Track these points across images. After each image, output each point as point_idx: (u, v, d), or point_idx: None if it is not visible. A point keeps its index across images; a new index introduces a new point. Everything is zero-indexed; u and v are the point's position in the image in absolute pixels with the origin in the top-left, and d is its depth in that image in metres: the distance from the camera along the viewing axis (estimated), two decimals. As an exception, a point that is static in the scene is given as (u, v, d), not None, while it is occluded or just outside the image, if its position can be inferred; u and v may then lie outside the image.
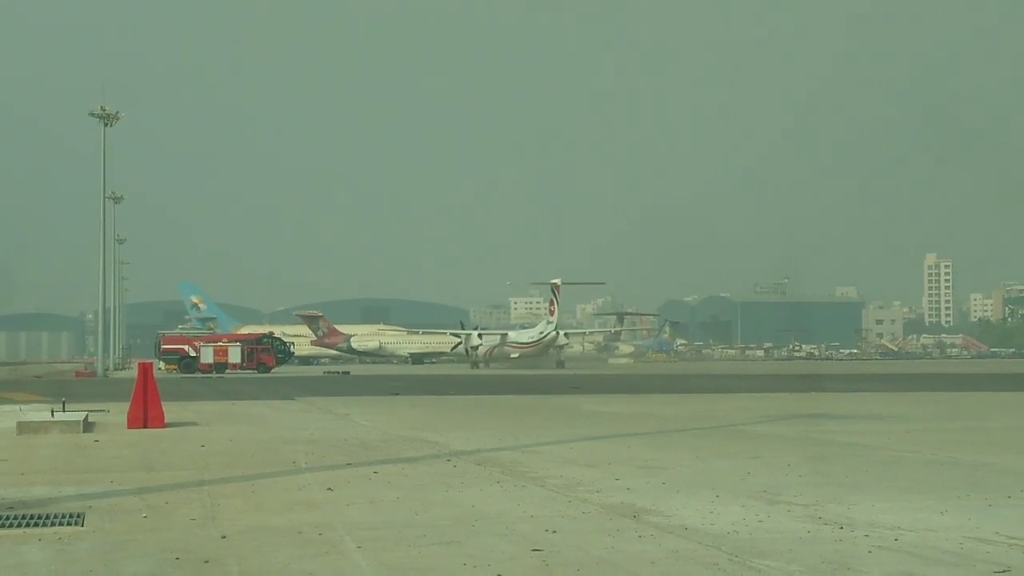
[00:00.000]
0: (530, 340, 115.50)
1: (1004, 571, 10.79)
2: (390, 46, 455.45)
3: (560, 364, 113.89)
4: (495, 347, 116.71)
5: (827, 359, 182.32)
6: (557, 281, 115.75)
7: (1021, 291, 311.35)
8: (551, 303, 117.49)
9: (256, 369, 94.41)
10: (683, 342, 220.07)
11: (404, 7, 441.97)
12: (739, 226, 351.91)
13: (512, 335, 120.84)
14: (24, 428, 26.87)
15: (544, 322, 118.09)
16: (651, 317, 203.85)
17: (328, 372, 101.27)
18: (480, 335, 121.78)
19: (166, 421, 28.79)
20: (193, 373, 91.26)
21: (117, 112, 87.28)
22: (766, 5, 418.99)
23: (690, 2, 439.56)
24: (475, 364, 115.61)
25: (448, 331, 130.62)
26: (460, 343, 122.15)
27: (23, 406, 36.18)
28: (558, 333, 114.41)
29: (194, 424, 30.03)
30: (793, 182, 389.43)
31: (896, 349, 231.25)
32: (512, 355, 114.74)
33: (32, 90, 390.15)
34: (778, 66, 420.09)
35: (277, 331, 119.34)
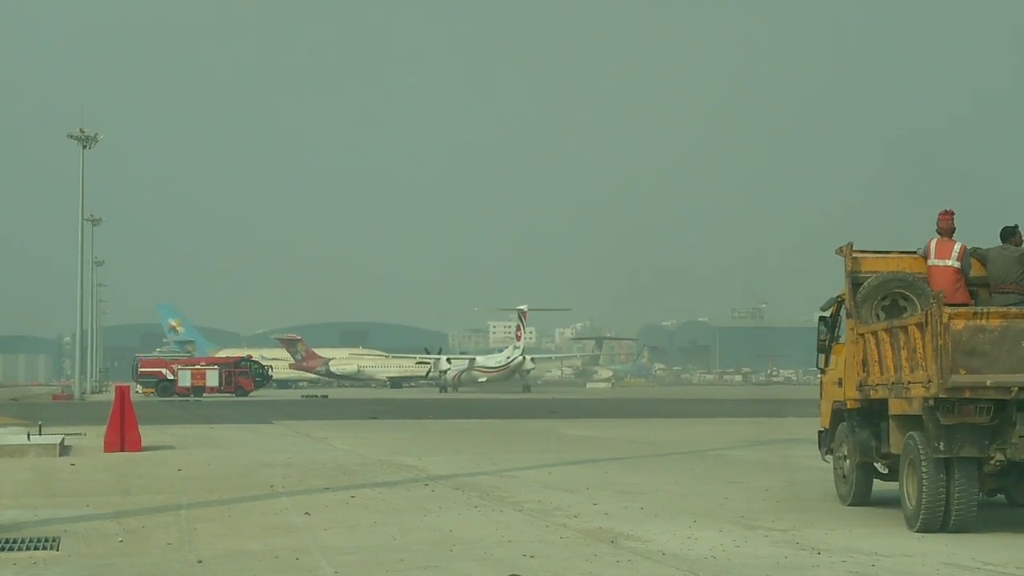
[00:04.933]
0: (497, 365, 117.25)
1: (980, 597, 10.82)
2: (366, 71, 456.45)
3: (527, 388, 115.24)
4: (463, 371, 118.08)
5: (805, 384, 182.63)
6: (524, 307, 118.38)
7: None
8: (518, 328, 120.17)
9: (234, 392, 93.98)
10: (661, 366, 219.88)
11: (380, 32, 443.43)
12: (716, 251, 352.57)
13: (480, 360, 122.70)
14: (-1, 451, 26.73)
15: (511, 347, 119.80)
16: (630, 341, 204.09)
17: (306, 396, 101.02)
18: (448, 360, 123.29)
19: (143, 445, 28.65)
20: (171, 396, 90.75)
21: (96, 134, 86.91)
22: (739, 34, 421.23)
23: (661, 29, 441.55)
24: (443, 388, 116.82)
25: (418, 356, 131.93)
26: (429, 367, 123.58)
27: (-1, 429, 35.97)
28: (524, 358, 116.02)
29: (171, 448, 29.91)
30: (769, 208, 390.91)
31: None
32: (480, 379, 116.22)
33: (9, 112, 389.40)
34: (754, 92, 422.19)
35: (255, 354, 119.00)
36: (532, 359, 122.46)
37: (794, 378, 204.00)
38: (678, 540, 14.02)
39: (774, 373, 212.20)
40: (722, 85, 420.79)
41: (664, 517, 16.15)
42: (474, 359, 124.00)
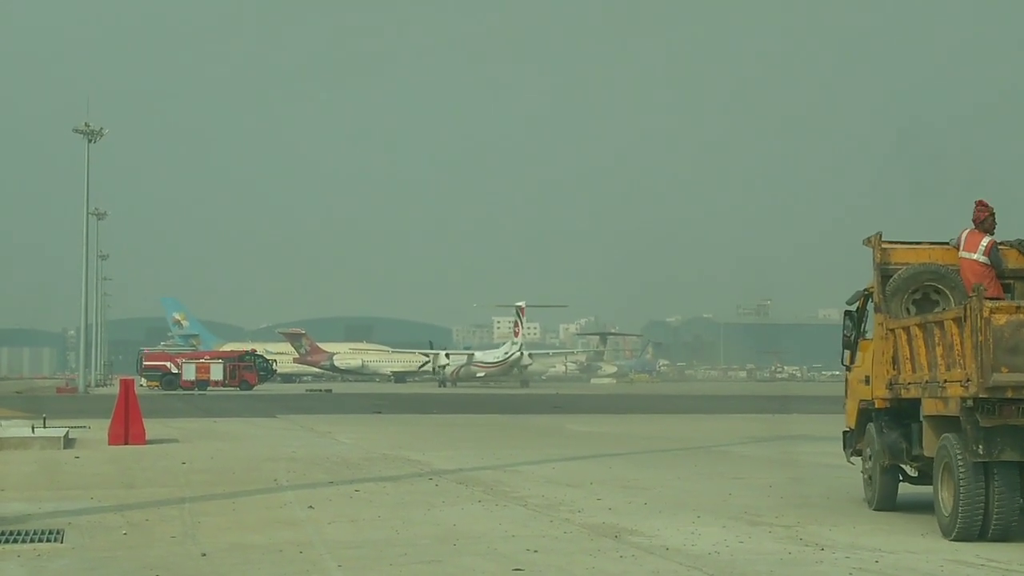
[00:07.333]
0: (495, 360, 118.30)
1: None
2: (371, 67, 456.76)
3: (524, 383, 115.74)
4: (462, 367, 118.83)
5: (809, 380, 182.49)
6: (522, 304, 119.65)
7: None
8: (516, 324, 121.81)
9: (238, 386, 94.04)
10: (666, 362, 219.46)
11: (388, 27, 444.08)
12: (721, 248, 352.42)
13: (478, 355, 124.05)
14: (4, 444, 26.75)
15: (510, 343, 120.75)
16: (634, 337, 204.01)
17: (310, 390, 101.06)
18: (447, 355, 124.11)
19: (147, 438, 28.68)
20: (175, 390, 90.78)
21: (101, 128, 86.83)
22: (748, 35, 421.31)
23: (670, 29, 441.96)
24: (442, 383, 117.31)
25: (418, 351, 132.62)
26: (428, 362, 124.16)
27: (3, 422, 35.99)
28: (522, 354, 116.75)
29: (175, 441, 29.93)
30: (774, 204, 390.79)
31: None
32: (478, 374, 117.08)
33: (15, 106, 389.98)
34: (761, 91, 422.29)
35: (260, 349, 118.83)
36: (530, 355, 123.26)
37: (798, 374, 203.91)
38: (682, 536, 14.01)
39: (778, 369, 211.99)
40: (729, 84, 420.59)
41: (668, 513, 16.14)
42: (472, 354, 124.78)
